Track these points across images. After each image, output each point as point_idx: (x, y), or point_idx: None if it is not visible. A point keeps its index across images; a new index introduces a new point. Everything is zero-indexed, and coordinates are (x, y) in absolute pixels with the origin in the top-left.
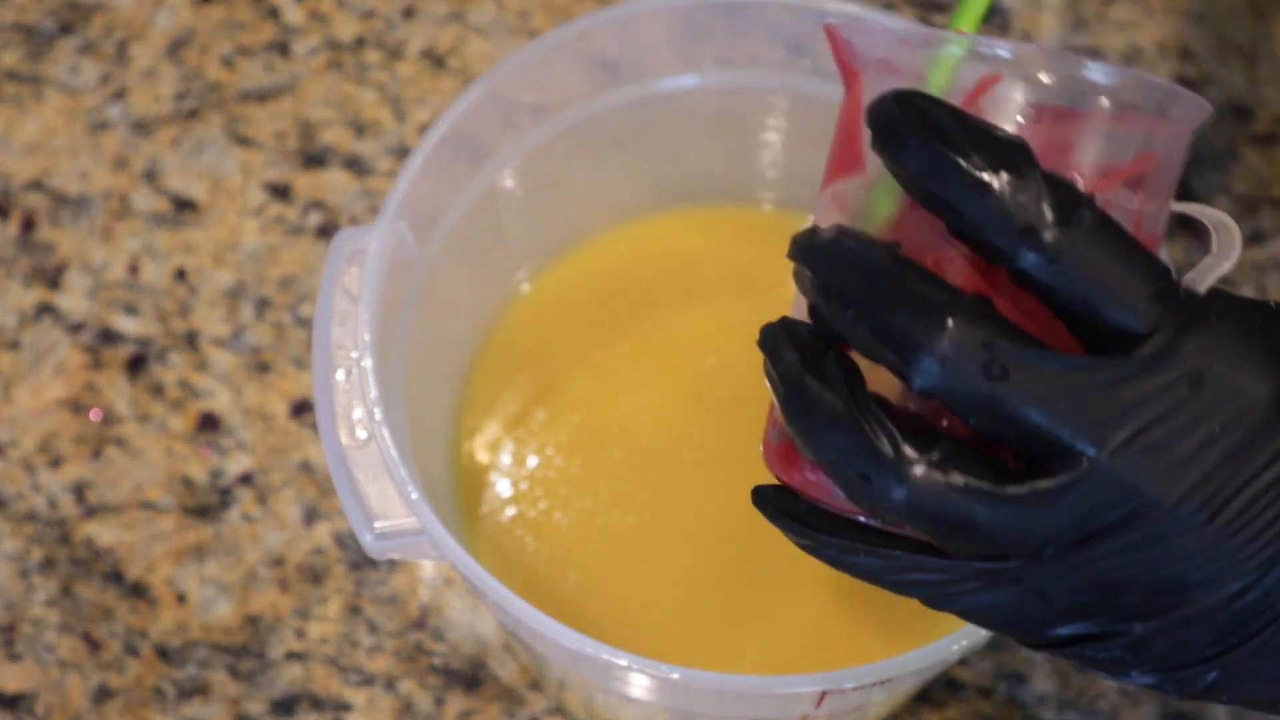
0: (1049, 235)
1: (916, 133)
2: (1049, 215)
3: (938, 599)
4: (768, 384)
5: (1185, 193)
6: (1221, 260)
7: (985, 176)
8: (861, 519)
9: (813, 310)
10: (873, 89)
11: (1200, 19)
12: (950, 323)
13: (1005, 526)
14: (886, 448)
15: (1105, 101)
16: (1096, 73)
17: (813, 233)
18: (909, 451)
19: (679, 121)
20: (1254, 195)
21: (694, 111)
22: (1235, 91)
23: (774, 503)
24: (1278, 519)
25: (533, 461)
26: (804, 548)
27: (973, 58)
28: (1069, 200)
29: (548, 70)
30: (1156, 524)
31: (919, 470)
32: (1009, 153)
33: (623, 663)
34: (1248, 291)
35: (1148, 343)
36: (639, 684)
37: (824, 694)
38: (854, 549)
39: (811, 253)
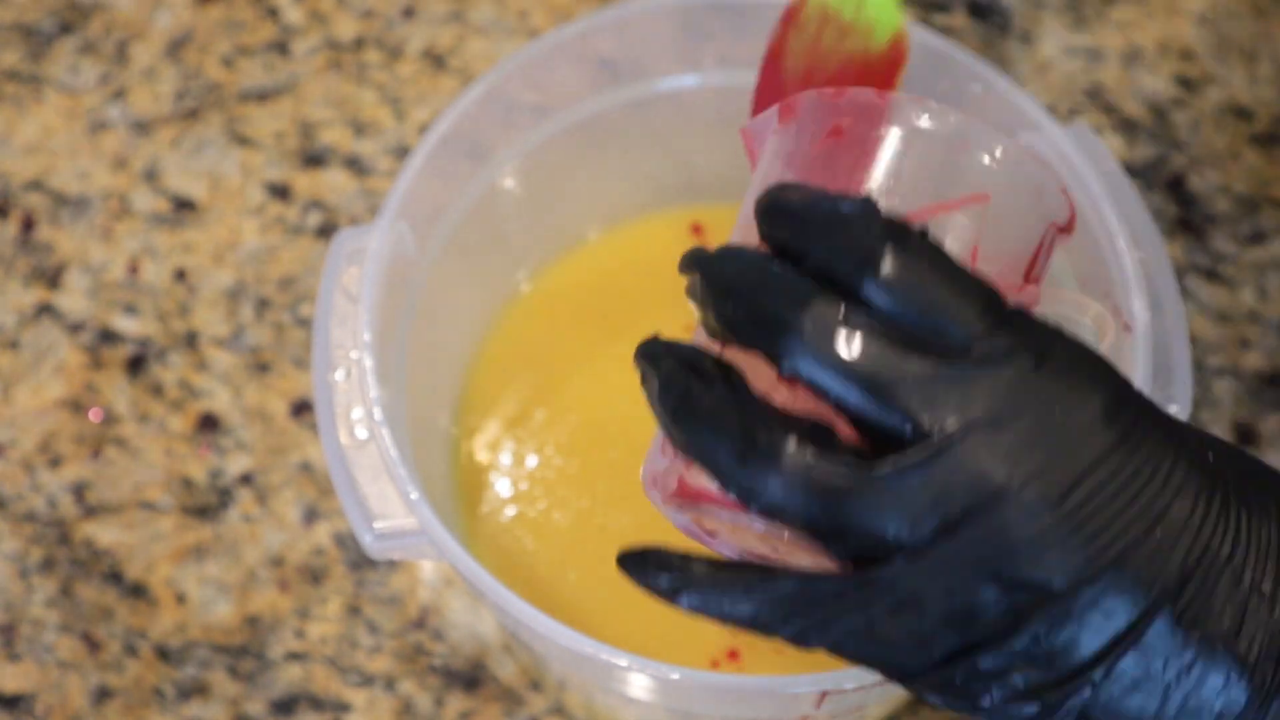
0: (885, 263)
1: (781, 199)
2: (885, 245)
3: (816, 629)
4: (645, 394)
5: (1186, 192)
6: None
7: (829, 221)
8: (736, 559)
9: (701, 317)
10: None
11: (1200, 19)
12: (811, 304)
13: (867, 507)
14: (761, 436)
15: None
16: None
17: (701, 248)
18: (781, 439)
19: (679, 121)
20: (1254, 195)
21: (694, 111)
22: (1235, 91)
23: (640, 560)
24: (1114, 520)
25: (532, 461)
26: (680, 604)
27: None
28: (902, 230)
29: (548, 70)
30: (1003, 512)
31: (790, 456)
32: (852, 202)
33: (623, 663)
34: (1247, 292)
35: (984, 342)
36: (639, 684)
37: (824, 694)
38: (730, 588)
39: (698, 259)
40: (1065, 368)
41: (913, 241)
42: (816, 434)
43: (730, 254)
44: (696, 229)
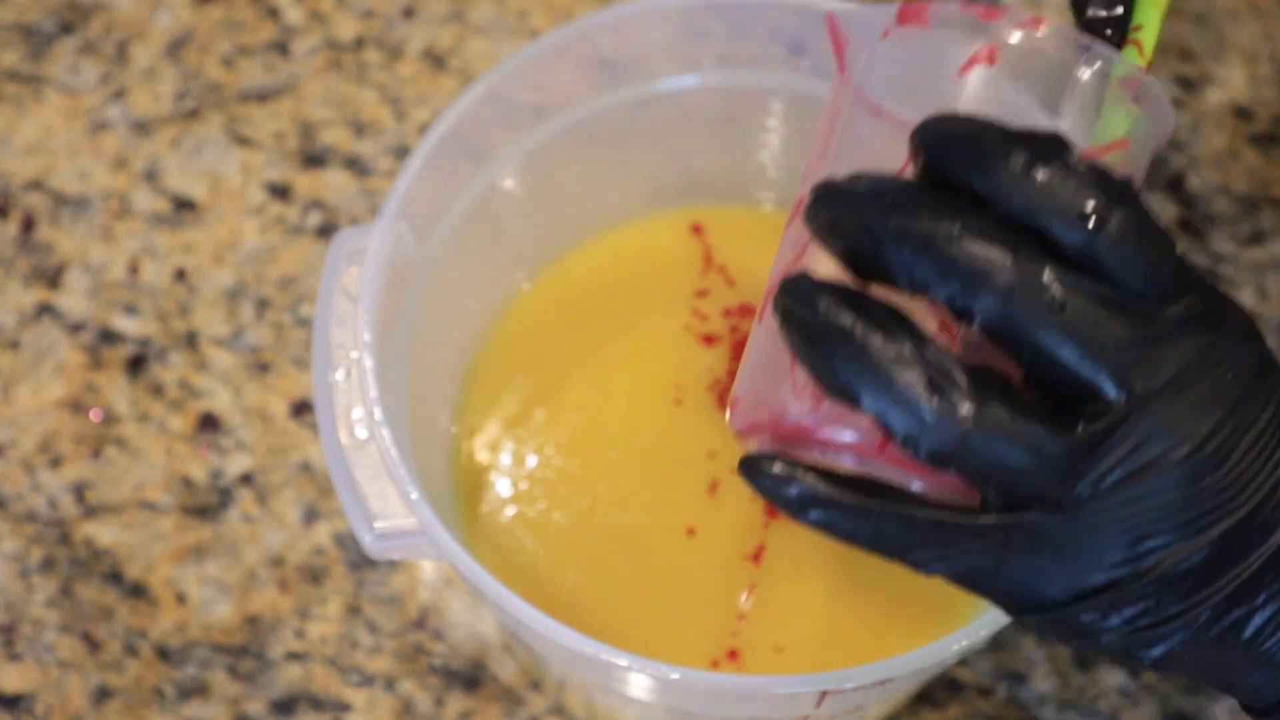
0: (1098, 218)
1: (966, 134)
2: (1097, 201)
3: (943, 560)
4: (787, 336)
5: (1186, 193)
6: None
7: (1034, 168)
8: (850, 478)
9: (847, 258)
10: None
11: (1200, 19)
12: (1014, 255)
13: (1052, 466)
14: (953, 380)
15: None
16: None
17: (835, 183)
18: (968, 391)
19: (679, 121)
20: (1254, 195)
21: (694, 111)
22: (1235, 91)
23: (765, 469)
24: (1269, 462)
25: (532, 461)
26: (806, 518)
27: (969, 28)
28: (1113, 187)
29: (548, 70)
30: (1172, 473)
31: (979, 407)
32: (1052, 145)
33: (623, 663)
34: (1247, 292)
35: (1178, 303)
36: (639, 684)
37: (824, 694)
38: (862, 509)
39: (850, 196)
40: (1234, 329)
41: (1120, 194)
42: (1005, 390)
43: (898, 192)
44: (696, 229)
